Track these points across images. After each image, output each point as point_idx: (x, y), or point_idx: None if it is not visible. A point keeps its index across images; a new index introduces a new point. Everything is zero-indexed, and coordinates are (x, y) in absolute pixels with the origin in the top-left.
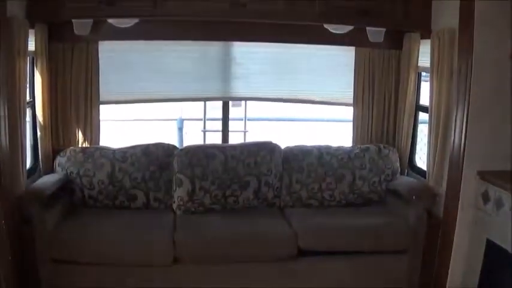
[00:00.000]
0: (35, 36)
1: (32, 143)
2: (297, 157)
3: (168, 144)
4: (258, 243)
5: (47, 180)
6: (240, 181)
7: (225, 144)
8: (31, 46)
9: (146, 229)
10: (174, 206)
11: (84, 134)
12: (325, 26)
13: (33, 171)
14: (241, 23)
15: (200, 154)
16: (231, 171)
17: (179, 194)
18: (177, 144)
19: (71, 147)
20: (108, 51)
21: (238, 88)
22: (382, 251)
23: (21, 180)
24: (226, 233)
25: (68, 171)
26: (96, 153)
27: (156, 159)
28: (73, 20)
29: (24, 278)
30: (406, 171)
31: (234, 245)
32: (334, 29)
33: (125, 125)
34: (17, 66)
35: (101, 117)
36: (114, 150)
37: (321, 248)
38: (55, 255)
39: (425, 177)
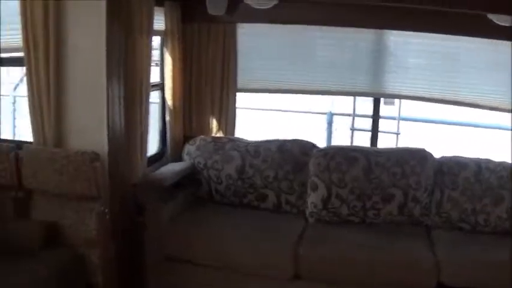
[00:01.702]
0: (165, 14)
1: (160, 127)
2: (452, 170)
3: (307, 142)
4: (392, 270)
5: (170, 169)
6: (383, 193)
7: (370, 148)
8: (161, 25)
9: (270, 235)
10: (307, 212)
11: (218, 123)
12: (489, 16)
13: (159, 157)
14: (397, 9)
15: (340, 157)
16: (373, 180)
17: (313, 199)
18: (324, 141)
19: (202, 136)
20: (247, 35)
21: (391, 84)
22: None
23: (139, 166)
24: (358, 253)
25: (196, 161)
26: (228, 144)
27: (292, 157)
28: None
29: (129, 272)
30: None
31: (365, 268)
32: (499, 20)
33: (266, 116)
34: (137, 45)
35: (237, 105)
36: (247, 143)
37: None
38: (167, 251)
39: None
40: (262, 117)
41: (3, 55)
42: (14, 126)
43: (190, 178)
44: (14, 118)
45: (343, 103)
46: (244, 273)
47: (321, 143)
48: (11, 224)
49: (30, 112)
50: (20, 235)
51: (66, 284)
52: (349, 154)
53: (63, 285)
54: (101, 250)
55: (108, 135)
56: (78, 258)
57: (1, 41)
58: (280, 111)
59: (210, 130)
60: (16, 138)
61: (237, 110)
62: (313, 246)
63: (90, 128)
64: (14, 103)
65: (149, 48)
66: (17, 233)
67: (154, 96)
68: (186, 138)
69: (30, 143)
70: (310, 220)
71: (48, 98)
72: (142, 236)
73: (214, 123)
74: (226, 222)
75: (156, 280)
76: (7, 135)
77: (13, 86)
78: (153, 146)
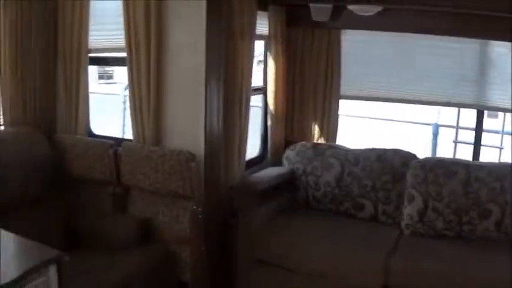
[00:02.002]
0: (269, 19)
1: (262, 131)
2: None
3: (407, 153)
4: None
5: (267, 173)
6: (480, 208)
7: (470, 162)
8: (265, 30)
9: (363, 245)
10: (402, 224)
11: (320, 129)
12: None
13: (259, 161)
14: (502, 19)
15: (439, 169)
16: (471, 194)
17: (409, 211)
18: (429, 153)
19: (302, 142)
20: (350, 41)
21: (495, 96)
22: None
23: (236, 169)
24: (451, 268)
25: (295, 167)
26: (328, 151)
27: (391, 167)
28: (310, 5)
29: (219, 272)
30: None
31: (457, 284)
32: None
33: (368, 124)
34: (238, 48)
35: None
36: (347, 151)
37: None
38: (258, 254)
39: None
40: (364, 125)
41: (109, 55)
42: (124, 125)
43: (288, 183)
44: (124, 117)
45: (447, 114)
46: (333, 281)
47: (424, 155)
48: (108, 219)
49: (131, 111)
50: (117, 229)
51: (157, 280)
52: (448, 167)
53: (154, 281)
54: (192, 249)
55: (205, 136)
56: (170, 256)
57: (107, 41)
58: (383, 120)
59: (311, 136)
60: (125, 137)
61: (339, 117)
62: (406, 258)
63: (187, 129)
64: (124, 102)
65: (251, 51)
66: (114, 227)
67: (257, 100)
68: (287, 143)
69: (130, 140)
70: (406, 232)
71: (148, 98)
72: (234, 238)
73: (316, 130)
74: (321, 229)
75: (245, 282)
76: (116, 134)
77: (124, 86)
78: (254, 149)
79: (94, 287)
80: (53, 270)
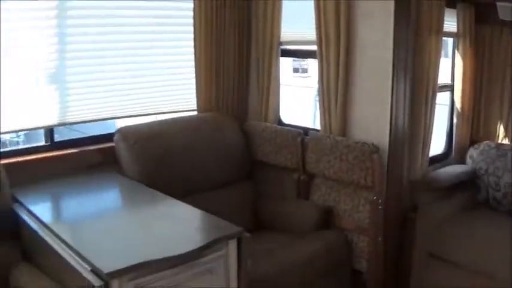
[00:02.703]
0: (457, 16)
1: (447, 129)
2: None
3: None
4: None
5: (450, 171)
6: None
7: None
8: (453, 27)
9: None
10: None
11: (505, 129)
12: None
13: (443, 158)
14: None
15: None
16: None
17: None
18: None
19: (487, 141)
20: None
21: None
22: None
23: (419, 164)
24: None
25: (477, 166)
26: (511, 152)
27: None
28: (497, 3)
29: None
30: None
31: None
32: None
33: None
34: (426, 45)
35: None
36: None
37: None
38: (433, 250)
39: None
40: None
41: (300, 47)
42: (315, 116)
43: (470, 182)
44: (316, 109)
45: None
46: (502, 285)
47: None
48: (292, 204)
49: (320, 102)
50: (299, 214)
51: (332, 265)
52: None
53: (330, 267)
54: (370, 239)
55: (390, 130)
56: (347, 244)
57: (298, 34)
58: None
59: (496, 136)
60: (314, 127)
61: None
62: None
63: (373, 122)
64: (316, 95)
65: (438, 49)
66: (297, 212)
67: (444, 98)
68: (472, 142)
69: (317, 130)
70: None
71: (336, 90)
72: (411, 232)
73: (501, 130)
74: (497, 229)
75: (418, 276)
76: (306, 124)
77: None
78: (438, 146)
79: (273, 265)
80: (232, 245)
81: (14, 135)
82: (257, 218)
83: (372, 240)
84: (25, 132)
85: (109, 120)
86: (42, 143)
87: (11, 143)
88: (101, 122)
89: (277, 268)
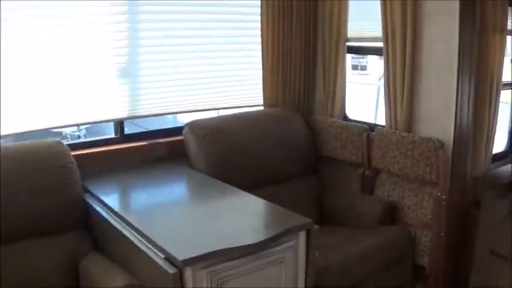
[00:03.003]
0: None
1: (510, 127)
2: None
3: None
4: None
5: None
6: None
7: None
8: None
9: None
10: None
11: None
12: None
13: (504, 156)
14: None
15: None
16: None
17: None
18: None
19: None
20: None
21: None
22: None
23: (482, 160)
24: None
25: None
26: None
27: None
28: None
29: (455, 260)
30: None
31: None
32: None
33: None
34: (490, 44)
35: None
36: None
37: None
38: (494, 246)
39: None
40: None
41: (365, 44)
42: (376, 113)
43: None
44: (377, 105)
45: None
46: None
47: None
48: (357, 199)
49: (385, 98)
50: (363, 209)
51: (395, 260)
52: None
53: (392, 261)
54: (433, 234)
55: (455, 126)
56: (410, 239)
57: (363, 31)
58: None
59: None
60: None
61: None
62: None
63: (438, 118)
64: (378, 92)
65: (502, 47)
66: (361, 207)
67: (506, 96)
68: None
69: (382, 126)
70: None
71: (402, 86)
72: (473, 228)
73: None
74: None
75: (479, 272)
76: (368, 120)
77: (378, 76)
78: (501, 144)
79: (337, 256)
80: (302, 237)
81: (75, 129)
82: (321, 212)
83: (435, 235)
84: (86, 126)
85: (168, 117)
86: (109, 135)
87: (72, 137)
88: (161, 117)
89: (341, 260)
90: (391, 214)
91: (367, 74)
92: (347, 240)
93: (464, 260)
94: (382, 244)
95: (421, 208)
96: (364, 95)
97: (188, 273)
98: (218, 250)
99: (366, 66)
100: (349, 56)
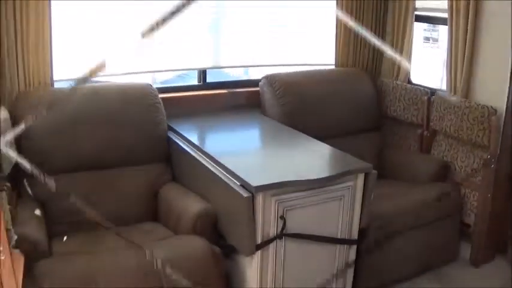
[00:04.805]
0: None
1: None
2: None
3: None
4: None
5: None
6: None
7: None
8: None
9: None
10: None
11: None
12: None
13: None
14: None
15: None
16: None
17: None
18: None
19: None
20: None
21: None
22: None
23: None
24: None
25: None
26: None
27: None
28: None
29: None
30: None
31: None
32: None
33: None
34: None
35: None
36: None
37: None
38: None
39: None
40: None
41: (433, 14)
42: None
43: None
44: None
45: None
46: None
47: None
48: (414, 156)
49: (447, 65)
50: (419, 166)
51: (444, 214)
52: None
53: (442, 215)
54: (480, 195)
55: (508, 95)
56: (460, 197)
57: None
58: None
59: None
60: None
61: None
62: None
63: (493, 86)
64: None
65: None
66: (417, 164)
67: None
68: None
69: (443, 91)
70: None
71: (463, 55)
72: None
73: None
74: None
75: None
76: (433, 85)
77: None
78: None
79: (390, 206)
80: (360, 179)
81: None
82: (380, 166)
83: (482, 196)
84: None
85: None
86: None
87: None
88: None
89: (394, 208)
90: (444, 173)
91: (437, 48)
92: (401, 192)
93: (507, 224)
94: (433, 199)
95: (472, 170)
96: (432, 63)
97: (259, 198)
98: (286, 181)
99: (437, 38)
100: (420, 27)
